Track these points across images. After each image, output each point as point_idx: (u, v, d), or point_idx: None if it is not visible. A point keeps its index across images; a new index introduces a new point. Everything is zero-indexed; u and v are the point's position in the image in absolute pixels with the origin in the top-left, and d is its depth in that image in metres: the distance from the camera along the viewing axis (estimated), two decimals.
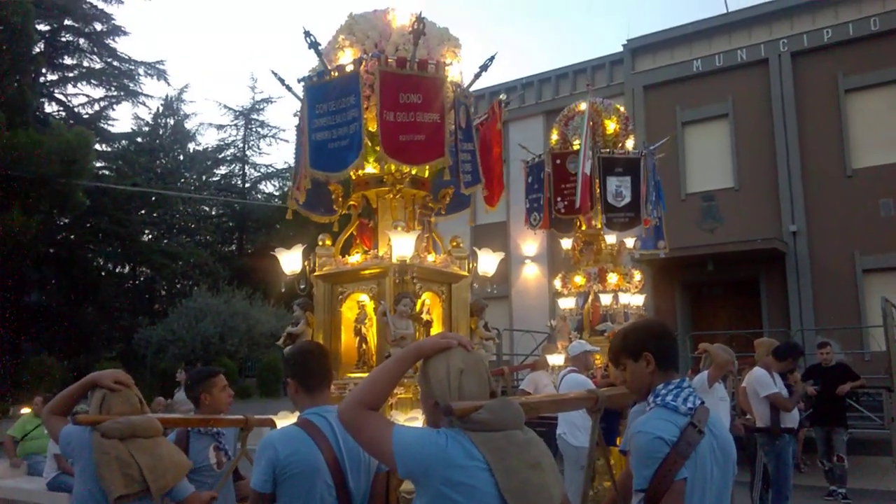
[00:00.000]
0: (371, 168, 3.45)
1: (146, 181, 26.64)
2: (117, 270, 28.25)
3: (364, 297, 3.32)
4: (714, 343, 5.83)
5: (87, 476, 3.15)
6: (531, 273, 21.09)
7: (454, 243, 3.56)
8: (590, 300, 7.47)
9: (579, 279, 7.63)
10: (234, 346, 21.45)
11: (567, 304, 7.71)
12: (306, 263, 3.46)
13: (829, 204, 17.71)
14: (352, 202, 3.55)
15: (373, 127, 3.27)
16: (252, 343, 21.45)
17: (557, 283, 7.92)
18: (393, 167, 3.32)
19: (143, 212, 27.98)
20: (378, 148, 3.24)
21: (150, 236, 28.85)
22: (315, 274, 3.43)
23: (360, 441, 2.23)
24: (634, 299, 7.47)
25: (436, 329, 3.40)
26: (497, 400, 2.26)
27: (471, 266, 3.53)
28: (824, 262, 17.76)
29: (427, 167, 3.39)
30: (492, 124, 3.79)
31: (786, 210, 18.44)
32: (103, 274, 26.64)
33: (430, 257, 3.36)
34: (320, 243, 3.46)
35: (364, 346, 3.26)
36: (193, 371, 4.18)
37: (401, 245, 3.07)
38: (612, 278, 7.46)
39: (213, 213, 33.35)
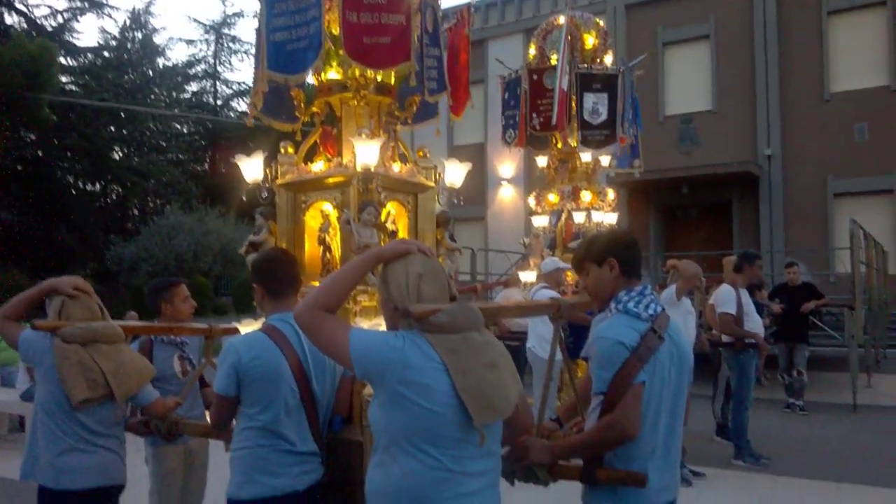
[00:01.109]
0: (334, 73, 3.33)
1: (114, 97, 25.86)
2: (88, 189, 27.75)
3: (328, 206, 3.26)
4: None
5: (50, 381, 3.13)
6: (507, 195, 21.08)
7: (420, 153, 3.49)
8: (563, 218, 7.48)
9: (553, 197, 7.61)
10: (208, 264, 21.32)
11: (541, 222, 7.71)
12: (268, 171, 3.38)
13: (805, 128, 17.73)
14: (314, 109, 3.44)
15: (336, 30, 3.14)
16: (227, 261, 21.35)
17: (532, 202, 7.90)
18: (357, 72, 3.21)
19: (112, 129, 27.27)
20: (341, 52, 3.12)
21: (120, 154, 28.24)
22: (277, 182, 3.35)
23: (318, 343, 2.22)
24: (608, 218, 7.49)
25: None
26: (455, 303, 2.25)
27: (437, 176, 3.48)
28: (797, 186, 17.91)
29: (392, 72, 3.29)
30: (460, 30, 3.67)
31: (762, 134, 18.45)
32: (74, 192, 26.17)
33: (396, 167, 3.29)
34: (282, 151, 3.37)
35: (328, 255, 3.23)
36: (154, 281, 4.14)
37: (365, 152, 3.00)
38: (586, 196, 7.45)
39: (185, 130, 32.60)
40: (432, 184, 3.45)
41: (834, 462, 6.76)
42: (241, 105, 34.66)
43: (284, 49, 3.05)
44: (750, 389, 6.59)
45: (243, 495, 2.70)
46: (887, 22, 16.77)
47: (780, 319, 8.97)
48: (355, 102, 3.29)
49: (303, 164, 3.30)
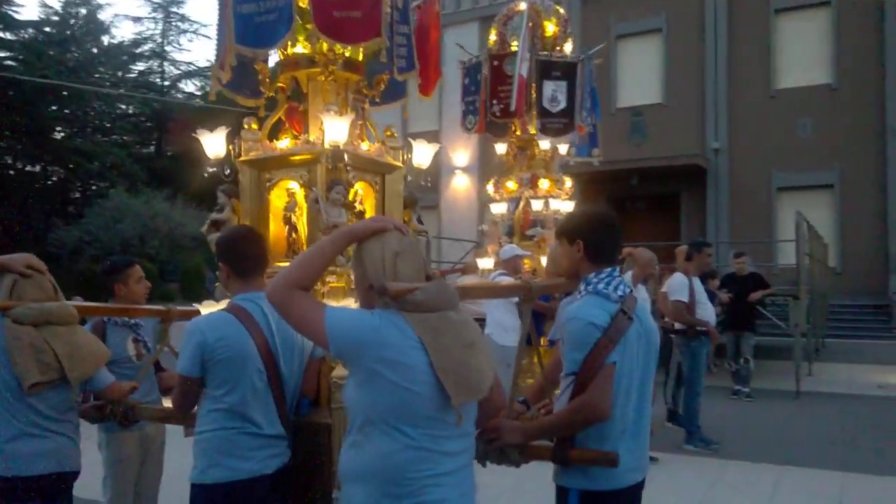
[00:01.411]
0: (301, 48, 3.25)
1: (57, 75, 24.88)
2: (27, 170, 26.73)
3: (294, 185, 3.18)
4: None
5: (0, 364, 2.99)
6: (461, 183, 21.10)
7: (388, 132, 3.43)
8: (521, 205, 7.50)
9: (511, 184, 7.62)
10: (154, 248, 20.77)
11: (499, 209, 7.71)
12: (231, 148, 3.28)
13: (752, 123, 18.19)
14: (280, 84, 3.35)
15: (304, 2, 3.06)
16: (174, 246, 20.85)
17: (490, 189, 7.90)
18: (325, 47, 3.13)
19: (54, 108, 26.30)
20: (309, 25, 3.04)
21: (62, 134, 27.26)
22: (241, 159, 3.25)
23: (291, 321, 2.16)
24: (565, 206, 7.53)
25: None
26: (433, 282, 2.22)
27: (405, 157, 3.43)
28: (742, 179, 18.38)
29: (361, 49, 3.22)
30: (429, 7, 3.61)
31: (710, 127, 18.86)
32: (12, 173, 25.17)
33: (364, 146, 3.23)
34: (246, 126, 3.27)
35: (294, 235, 3.15)
36: (107, 261, 3.99)
37: (334, 129, 2.93)
38: (544, 184, 7.48)
39: (130, 111, 31.59)
40: (400, 164, 3.40)
41: (779, 446, 6.96)
42: (190, 86, 33.87)
43: (253, 21, 2.95)
44: (701, 376, 6.74)
45: (208, 479, 2.63)
46: (831, 22, 17.28)
47: (728, 308, 9.19)
48: (323, 78, 3.21)
49: (267, 141, 3.21)
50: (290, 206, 3.15)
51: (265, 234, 3.23)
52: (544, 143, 7.64)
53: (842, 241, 16.98)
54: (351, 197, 3.15)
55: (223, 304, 3.16)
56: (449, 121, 18.66)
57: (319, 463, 2.90)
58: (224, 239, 2.84)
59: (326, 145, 2.99)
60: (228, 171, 3.28)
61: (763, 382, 9.96)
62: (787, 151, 17.83)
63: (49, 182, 27.78)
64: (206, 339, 2.62)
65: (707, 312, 6.74)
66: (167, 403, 3.72)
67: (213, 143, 3.24)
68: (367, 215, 3.32)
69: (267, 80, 3.29)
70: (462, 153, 20.71)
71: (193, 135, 3.22)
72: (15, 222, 22.78)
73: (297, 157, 3.14)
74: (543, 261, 7.15)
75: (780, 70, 18.23)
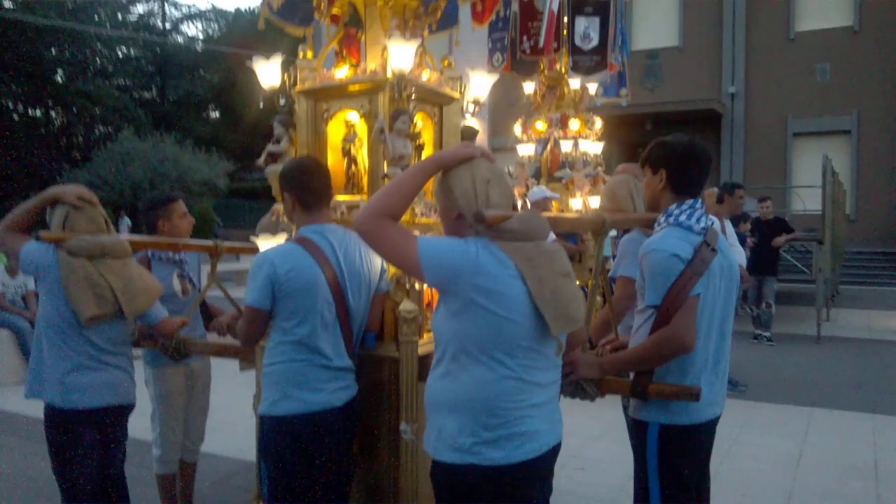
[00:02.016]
0: None
1: (57, 17, 24.38)
2: (30, 114, 26.39)
3: (353, 115, 3.07)
4: None
5: (55, 296, 2.94)
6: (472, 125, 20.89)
7: (445, 62, 3.31)
8: (549, 147, 7.36)
9: (541, 125, 7.47)
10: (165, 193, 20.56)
11: (526, 150, 7.58)
12: (286, 77, 3.16)
13: (769, 67, 17.87)
14: (335, 10, 3.21)
15: None
16: (184, 190, 20.70)
17: (517, 129, 7.74)
18: None
19: (53, 50, 25.81)
20: None
21: (62, 77, 26.82)
22: (297, 89, 3.14)
23: (382, 251, 2.09)
24: (593, 147, 7.39)
25: (428, 153, 3.21)
26: (526, 211, 2.15)
27: (462, 88, 3.31)
28: (758, 125, 18.15)
29: None
30: None
31: (727, 72, 18.53)
32: (15, 117, 24.86)
33: (424, 75, 3.11)
34: (301, 55, 3.15)
35: (353, 167, 3.05)
36: (150, 195, 3.91)
37: (399, 55, 2.80)
38: (574, 124, 7.32)
39: (132, 54, 31.07)
40: (457, 95, 3.28)
41: (806, 388, 6.99)
42: (191, 29, 33.22)
43: None
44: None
45: (279, 411, 2.60)
46: None
47: (752, 252, 9.13)
48: (381, 3, 3.07)
49: (324, 70, 3.09)
50: (350, 138, 3.05)
51: None
52: (574, 82, 7.46)
53: (857, 189, 16.85)
54: (414, 128, 3.04)
55: (280, 238, 3.10)
56: (459, 59, 18.32)
57: (386, 396, 2.87)
58: (290, 170, 2.75)
59: (389, 73, 2.87)
60: (284, 101, 3.16)
61: (782, 327, 9.97)
62: (804, 96, 17.56)
63: (52, 127, 27.46)
64: (276, 270, 2.56)
65: (739, 255, 6.66)
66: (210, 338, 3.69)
67: (268, 72, 3.12)
68: (426, 149, 3.22)
69: (322, 5, 3.14)
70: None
71: (255, 56, 3.08)
72: (20, 166, 22.56)
73: (355, 87, 3.02)
74: (573, 203, 7.06)
75: (800, 12, 17.82)
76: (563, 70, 7.32)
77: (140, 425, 3.81)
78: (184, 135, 22.19)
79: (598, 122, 7.51)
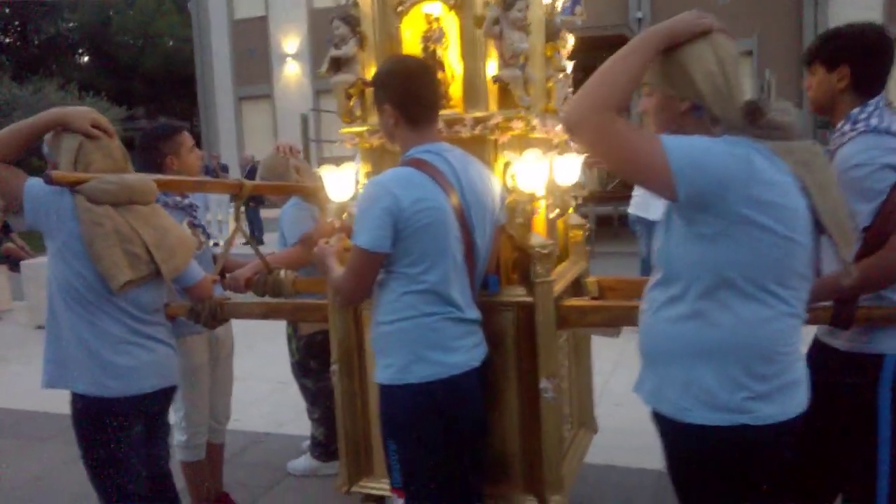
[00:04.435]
0: None
1: None
2: None
3: (435, 8, 2.47)
4: None
5: (75, 256, 2.25)
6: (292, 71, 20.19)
7: None
8: None
9: None
10: None
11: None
12: None
13: None
14: None
15: None
16: None
17: None
18: None
19: None
20: None
21: None
22: None
23: (613, 155, 1.58)
24: None
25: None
26: (780, 102, 1.70)
27: None
28: None
29: None
30: None
31: None
32: None
33: None
34: None
35: (440, 73, 2.48)
36: (150, 128, 3.16)
37: None
38: None
39: None
40: None
41: None
42: None
43: None
44: None
45: (413, 378, 2.07)
46: None
47: None
48: None
49: None
50: (434, 37, 2.46)
51: None
52: None
53: None
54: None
55: (348, 167, 2.52)
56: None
57: (511, 350, 2.39)
58: (390, 74, 2.15)
59: None
60: None
61: None
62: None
63: None
64: (399, 202, 2.00)
65: None
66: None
67: None
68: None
69: None
70: (293, 39, 19.88)
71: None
72: None
73: None
74: None
75: None
76: None
77: None
78: (66, 79, 19.89)
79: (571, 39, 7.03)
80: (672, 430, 1.68)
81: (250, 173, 12.68)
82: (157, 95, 28.35)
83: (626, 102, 1.61)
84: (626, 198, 6.99)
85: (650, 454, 3.90)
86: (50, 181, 2.19)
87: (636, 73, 1.61)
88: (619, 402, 4.55)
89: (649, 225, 6.04)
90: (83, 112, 2.30)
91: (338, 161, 2.57)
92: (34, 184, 2.25)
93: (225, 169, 15.64)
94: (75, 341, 2.28)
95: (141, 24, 28.01)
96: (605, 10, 18.63)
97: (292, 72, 20.86)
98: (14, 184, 2.26)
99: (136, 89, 27.45)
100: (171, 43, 28.56)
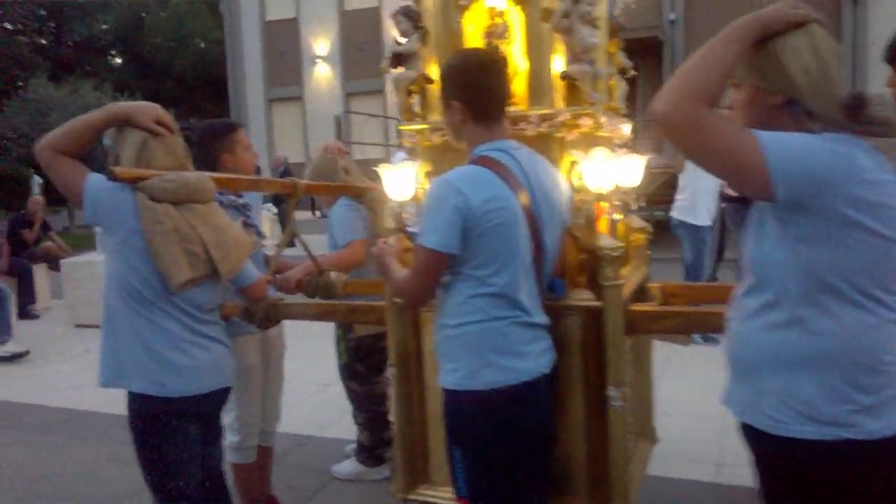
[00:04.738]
0: None
1: None
2: None
3: (498, 2, 2.40)
4: None
5: (134, 253, 2.21)
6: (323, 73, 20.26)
7: None
8: None
9: None
10: None
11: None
12: None
13: None
14: None
15: None
16: None
17: None
18: None
19: None
20: None
21: None
22: None
23: (706, 150, 1.49)
24: None
25: None
26: (875, 94, 1.61)
27: None
28: None
29: None
30: None
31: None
32: None
33: None
34: None
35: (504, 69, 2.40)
36: (205, 125, 3.12)
37: None
38: None
39: None
40: None
41: None
42: None
43: None
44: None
45: (480, 384, 2.00)
46: None
47: None
48: None
49: None
50: (498, 32, 2.39)
51: None
52: None
53: None
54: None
55: (405, 166, 2.47)
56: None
57: (576, 356, 2.31)
58: (459, 68, 2.09)
59: None
60: None
61: None
62: None
63: None
64: (469, 201, 1.93)
65: None
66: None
67: None
68: None
69: None
70: (323, 41, 19.95)
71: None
72: None
73: None
74: None
75: None
76: None
77: None
78: (101, 80, 20.13)
79: None
80: (766, 445, 1.58)
81: (283, 175, 12.72)
82: (189, 96, 28.62)
83: (720, 94, 1.53)
84: (666, 202, 6.87)
85: (703, 465, 3.83)
86: (112, 177, 2.16)
87: (731, 63, 1.52)
88: (667, 411, 4.45)
89: (694, 230, 5.93)
90: (147, 108, 2.27)
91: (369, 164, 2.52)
92: (96, 179, 2.22)
93: (257, 171, 15.68)
94: (134, 339, 2.25)
95: (173, 25, 28.33)
96: (639, 11, 18.40)
97: (323, 74, 20.96)
98: (75, 178, 2.23)
99: (168, 90, 27.74)
100: (202, 44, 28.85)
